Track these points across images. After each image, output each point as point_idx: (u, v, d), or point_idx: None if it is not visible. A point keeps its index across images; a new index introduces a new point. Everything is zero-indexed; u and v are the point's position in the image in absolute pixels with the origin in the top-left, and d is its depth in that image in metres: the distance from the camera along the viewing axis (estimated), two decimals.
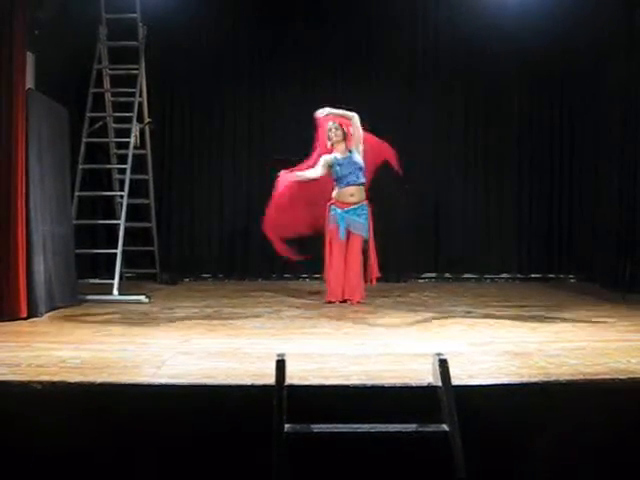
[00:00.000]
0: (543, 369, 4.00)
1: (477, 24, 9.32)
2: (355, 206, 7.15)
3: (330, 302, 7.14)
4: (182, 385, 3.69)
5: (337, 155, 7.20)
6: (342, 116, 7.22)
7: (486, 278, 9.73)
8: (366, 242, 7.21)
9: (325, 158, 7.24)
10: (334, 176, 7.22)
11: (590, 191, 9.48)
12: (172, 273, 9.30)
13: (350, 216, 7.14)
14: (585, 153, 9.60)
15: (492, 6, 9.20)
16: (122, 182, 8.45)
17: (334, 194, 7.22)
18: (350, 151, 7.19)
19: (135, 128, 8.48)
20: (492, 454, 3.51)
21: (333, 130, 7.24)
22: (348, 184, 7.14)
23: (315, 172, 7.23)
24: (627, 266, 7.88)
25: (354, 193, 7.15)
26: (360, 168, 7.17)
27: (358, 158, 7.18)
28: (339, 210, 7.17)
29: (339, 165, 7.16)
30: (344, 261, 7.14)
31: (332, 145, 7.27)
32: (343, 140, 7.25)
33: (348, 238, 7.16)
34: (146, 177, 9.16)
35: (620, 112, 8.52)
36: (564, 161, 9.81)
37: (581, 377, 3.82)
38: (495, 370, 4.03)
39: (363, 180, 7.20)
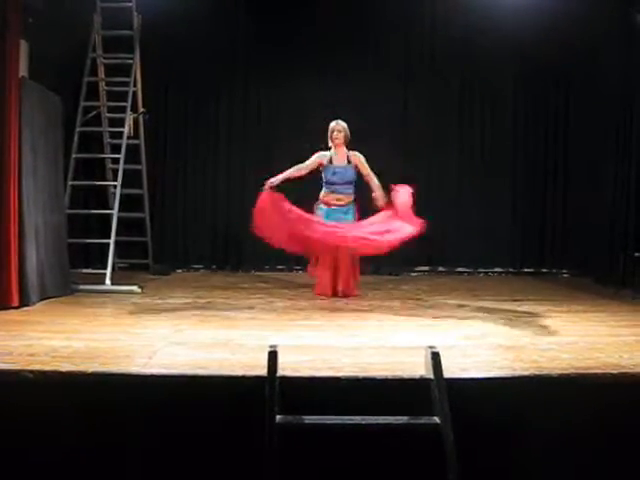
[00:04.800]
0: (535, 363, 4.01)
1: (474, 22, 9.29)
2: (342, 207, 7.14)
3: (320, 295, 7.11)
4: (173, 375, 3.69)
5: (334, 162, 7.17)
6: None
7: (479, 272, 9.74)
8: None
9: (320, 155, 7.21)
10: (324, 179, 7.20)
11: (584, 186, 9.46)
12: (165, 264, 9.29)
13: (336, 214, 7.11)
14: (580, 148, 9.58)
15: (488, 3, 9.17)
16: (115, 172, 8.42)
17: (322, 194, 7.22)
18: (349, 162, 7.18)
19: (129, 118, 8.43)
20: (483, 447, 3.52)
21: (335, 132, 7.18)
22: (336, 192, 7.15)
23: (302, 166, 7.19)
24: (620, 261, 7.90)
25: (341, 198, 7.15)
26: (351, 182, 7.14)
27: (352, 172, 7.15)
28: (325, 208, 7.16)
29: (333, 174, 7.14)
30: (334, 259, 7.08)
31: (334, 147, 7.21)
32: (343, 144, 7.21)
33: None
34: (139, 167, 9.13)
35: (616, 108, 8.52)
36: (559, 156, 9.82)
37: (573, 371, 3.83)
38: (487, 363, 4.04)
39: (351, 193, 7.18)
